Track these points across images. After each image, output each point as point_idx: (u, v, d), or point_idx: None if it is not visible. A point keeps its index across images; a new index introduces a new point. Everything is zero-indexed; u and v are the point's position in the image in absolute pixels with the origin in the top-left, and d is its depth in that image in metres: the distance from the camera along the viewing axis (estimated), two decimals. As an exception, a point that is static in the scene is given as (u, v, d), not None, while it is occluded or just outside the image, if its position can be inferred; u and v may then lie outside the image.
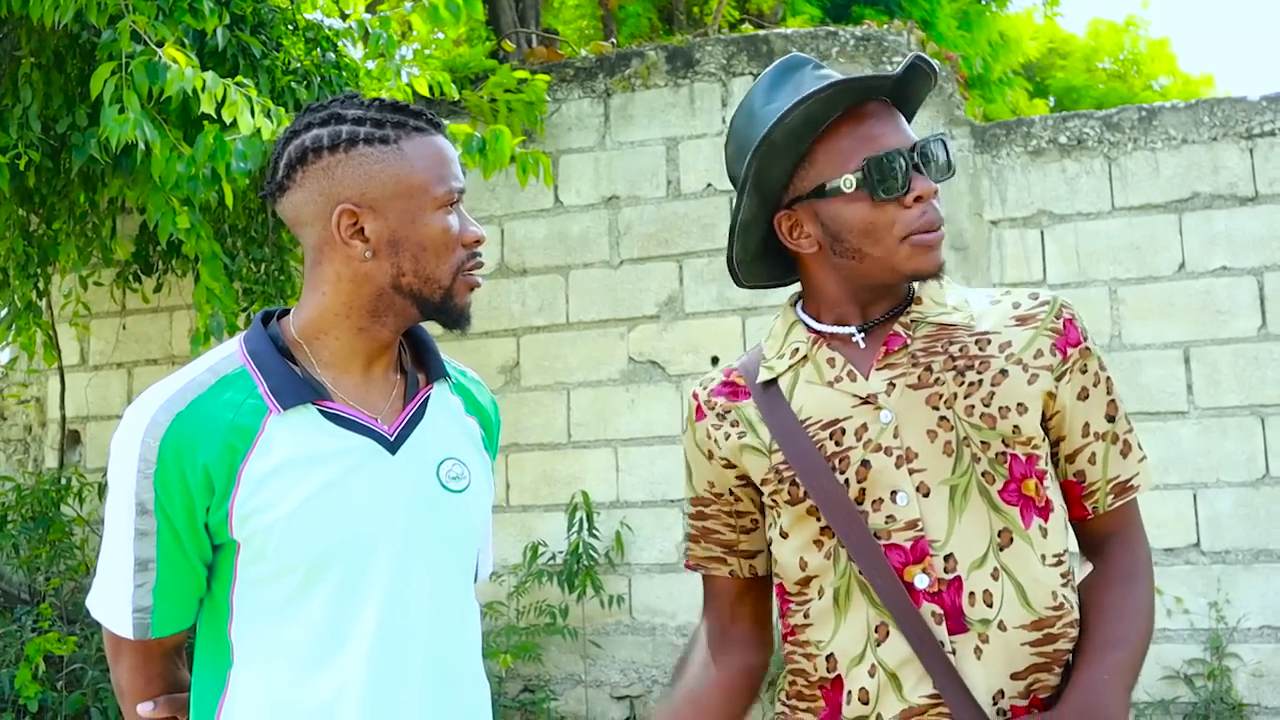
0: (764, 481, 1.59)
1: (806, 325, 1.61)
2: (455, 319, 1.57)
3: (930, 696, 1.44)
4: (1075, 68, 12.48)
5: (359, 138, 1.50)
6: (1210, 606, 4.84)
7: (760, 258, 1.66)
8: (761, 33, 5.69)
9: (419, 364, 1.67)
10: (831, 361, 1.56)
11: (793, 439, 1.55)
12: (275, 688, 1.47)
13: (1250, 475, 4.86)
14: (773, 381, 1.60)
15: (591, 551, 5.42)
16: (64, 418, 6.34)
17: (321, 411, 1.51)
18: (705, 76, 5.65)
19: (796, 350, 1.60)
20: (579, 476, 5.61)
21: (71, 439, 6.45)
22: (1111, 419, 1.56)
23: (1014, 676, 1.44)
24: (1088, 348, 1.56)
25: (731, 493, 1.66)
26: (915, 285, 1.60)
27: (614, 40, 6.91)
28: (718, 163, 5.55)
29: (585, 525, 5.43)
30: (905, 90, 1.58)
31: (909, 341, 1.54)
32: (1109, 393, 1.56)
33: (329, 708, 1.47)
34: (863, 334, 1.57)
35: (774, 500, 1.58)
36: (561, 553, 5.48)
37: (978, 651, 1.44)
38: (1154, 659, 4.85)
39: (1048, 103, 11.91)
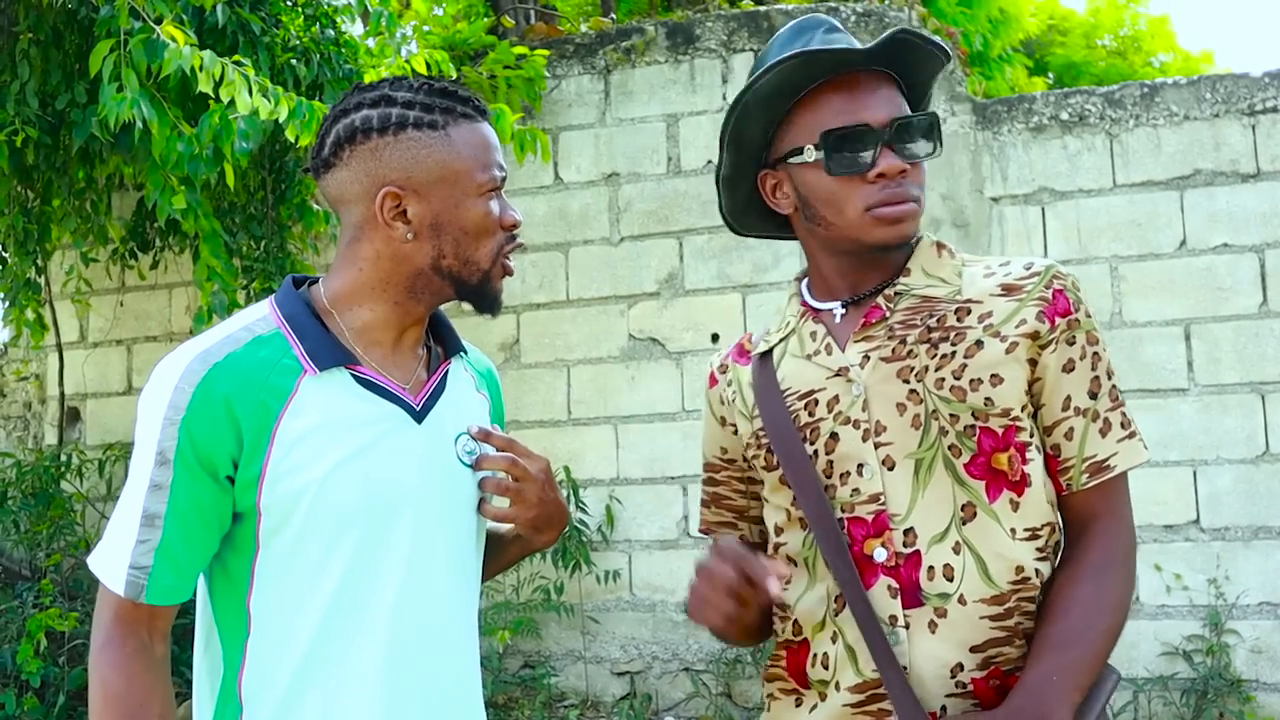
0: (746, 446, 1.65)
1: (802, 299, 1.66)
2: (490, 302, 1.62)
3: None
4: (1075, 44, 12.41)
5: (408, 121, 1.52)
6: (1209, 583, 4.86)
7: (749, 211, 1.71)
8: (762, 8, 5.66)
9: (436, 339, 1.70)
10: (814, 335, 1.60)
11: (771, 407, 1.59)
12: (294, 654, 1.48)
13: (1250, 452, 4.87)
14: (768, 352, 1.66)
15: (581, 527, 5.44)
16: (63, 394, 6.33)
17: (354, 376, 1.53)
18: (706, 53, 5.63)
19: (789, 324, 1.66)
20: (579, 454, 5.62)
21: (71, 416, 6.44)
22: (1094, 395, 1.50)
23: (972, 650, 1.44)
24: (1077, 319, 1.51)
25: (744, 458, 1.69)
26: (910, 256, 1.59)
27: (613, 16, 6.87)
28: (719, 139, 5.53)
29: (571, 501, 5.44)
30: (904, 64, 1.56)
31: (888, 314, 1.55)
32: (1094, 368, 1.51)
33: (350, 674, 1.48)
34: (845, 308, 1.60)
35: (754, 465, 1.64)
36: (560, 529, 5.48)
37: (932, 626, 1.44)
38: (1153, 635, 4.88)
39: (1047, 80, 11.86)
